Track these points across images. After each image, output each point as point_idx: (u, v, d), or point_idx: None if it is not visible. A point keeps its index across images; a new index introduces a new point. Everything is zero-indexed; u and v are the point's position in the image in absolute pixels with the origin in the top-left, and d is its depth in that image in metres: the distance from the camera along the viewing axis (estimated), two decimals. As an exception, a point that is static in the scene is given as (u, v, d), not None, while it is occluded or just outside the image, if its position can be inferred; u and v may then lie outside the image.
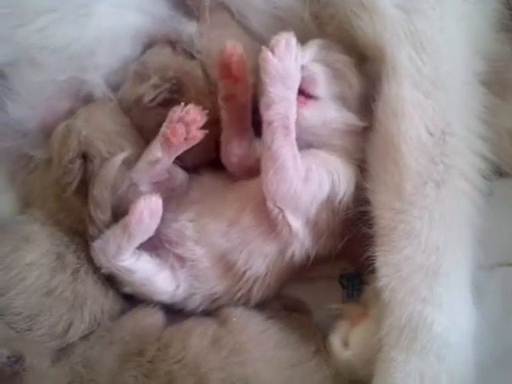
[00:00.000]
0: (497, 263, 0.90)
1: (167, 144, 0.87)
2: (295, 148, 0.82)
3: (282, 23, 0.97)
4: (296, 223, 0.85)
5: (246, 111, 0.90)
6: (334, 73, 0.87)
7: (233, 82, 0.87)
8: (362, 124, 0.87)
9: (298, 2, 0.95)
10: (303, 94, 0.86)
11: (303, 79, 0.84)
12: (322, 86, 0.86)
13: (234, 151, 0.92)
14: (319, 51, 0.89)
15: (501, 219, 0.90)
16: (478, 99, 0.84)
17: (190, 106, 0.86)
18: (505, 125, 0.93)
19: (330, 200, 0.85)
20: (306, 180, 0.83)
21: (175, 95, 0.94)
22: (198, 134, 0.86)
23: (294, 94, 0.81)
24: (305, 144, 0.84)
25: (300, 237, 0.87)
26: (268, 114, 0.80)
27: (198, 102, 0.89)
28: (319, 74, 0.86)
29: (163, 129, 0.87)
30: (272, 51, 0.80)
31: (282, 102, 0.80)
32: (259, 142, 0.91)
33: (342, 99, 0.87)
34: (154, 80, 0.94)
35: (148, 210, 0.86)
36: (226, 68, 0.86)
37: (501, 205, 0.91)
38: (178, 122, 0.86)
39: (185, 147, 0.88)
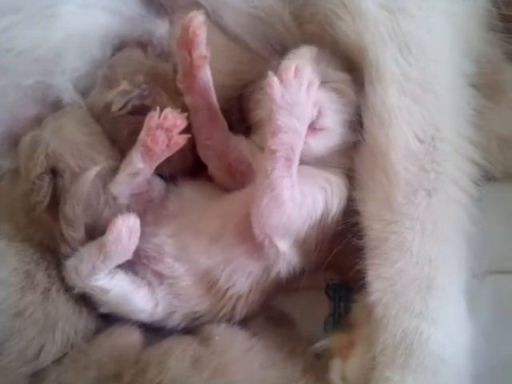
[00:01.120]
0: (487, 271, 0.88)
1: (148, 153, 0.83)
2: (295, 178, 0.78)
3: (260, 23, 0.94)
4: (284, 246, 0.82)
5: (208, 92, 0.86)
6: (338, 97, 0.83)
7: (188, 51, 0.83)
8: (356, 138, 0.84)
9: (277, 1, 0.92)
10: (310, 125, 0.81)
11: None
12: (330, 117, 0.83)
13: (206, 142, 0.88)
14: (317, 69, 0.84)
15: (490, 226, 0.87)
16: (467, 102, 0.82)
17: (168, 111, 0.82)
18: (494, 128, 0.91)
19: (322, 219, 0.82)
20: (300, 206, 0.80)
21: (146, 101, 0.90)
22: (179, 140, 0.82)
23: (303, 126, 0.77)
24: (300, 161, 0.80)
25: (287, 257, 0.84)
26: (273, 142, 0.76)
27: (170, 107, 0.85)
28: (326, 104, 0.82)
29: (142, 137, 0.83)
30: (279, 77, 0.75)
31: (288, 131, 0.75)
32: (243, 140, 0.90)
33: (345, 121, 0.84)
34: (123, 86, 0.89)
35: (127, 229, 0.82)
36: (184, 33, 0.82)
37: (490, 211, 0.88)
38: (157, 128, 0.81)
39: (167, 154, 0.84)
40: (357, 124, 0.85)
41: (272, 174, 0.76)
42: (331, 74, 0.86)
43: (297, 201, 0.79)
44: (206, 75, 0.85)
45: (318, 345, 0.87)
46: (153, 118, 0.82)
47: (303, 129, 0.77)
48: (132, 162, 0.84)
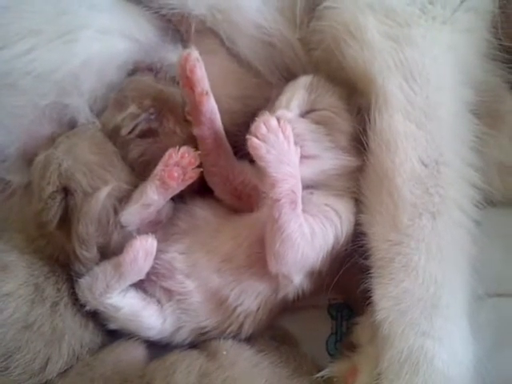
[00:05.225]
0: (485, 294, 0.88)
1: (164, 187, 0.86)
2: (301, 217, 0.81)
3: (271, 49, 0.97)
4: (298, 278, 0.85)
5: (215, 123, 0.89)
6: (322, 128, 0.87)
7: (190, 89, 0.86)
8: (357, 163, 0.87)
9: (288, 28, 0.96)
10: None
11: None
12: (312, 146, 0.86)
13: (212, 168, 0.91)
14: (307, 98, 0.89)
15: (489, 249, 0.87)
16: (468, 129, 0.85)
17: (185, 150, 0.86)
18: (493, 154, 0.94)
19: (333, 247, 0.85)
20: (312, 241, 0.82)
21: (154, 124, 0.93)
22: (193, 174, 0.87)
23: (295, 167, 0.80)
24: (304, 186, 0.83)
25: (299, 284, 0.86)
26: (274, 193, 0.79)
27: (177, 130, 0.91)
28: (305, 136, 0.86)
29: (158, 172, 0.86)
30: (256, 136, 0.79)
31: (285, 179, 0.79)
32: (247, 165, 0.91)
33: (336, 147, 0.87)
34: (131, 109, 0.92)
35: (143, 251, 0.84)
36: (182, 72, 0.86)
37: (489, 235, 0.88)
38: (174, 165, 0.85)
39: (181, 188, 0.87)
40: (356, 149, 0.87)
41: (279, 219, 0.79)
42: (320, 102, 0.89)
43: (307, 237, 0.81)
44: (211, 108, 0.88)
45: (321, 373, 0.87)
46: (171, 157, 0.86)
47: (296, 169, 0.80)
48: (146, 194, 0.87)
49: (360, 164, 0.87)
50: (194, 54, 0.85)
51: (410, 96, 0.83)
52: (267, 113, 0.83)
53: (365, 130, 0.86)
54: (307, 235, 0.81)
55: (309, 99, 0.89)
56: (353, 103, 0.90)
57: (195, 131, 0.89)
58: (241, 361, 0.85)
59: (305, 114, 0.88)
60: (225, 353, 0.86)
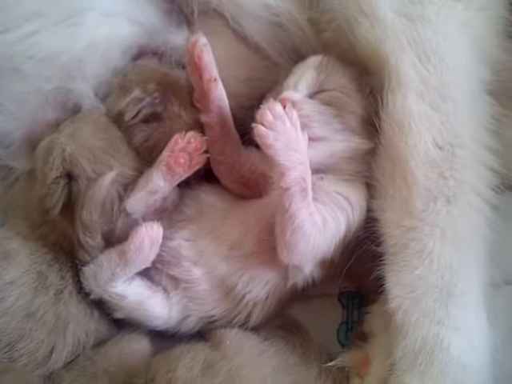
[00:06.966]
0: (503, 281, 0.86)
1: (170, 173, 0.85)
2: (312, 206, 0.79)
3: (280, 30, 0.95)
4: (309, 268, 0.84)
5: (223, 110, 0.88)
6: (331, 109, 0.84)
7: (198, 75, 0.85)
8: (369, 146, 0.85)
9: (296, 8, 0.93)
10: None
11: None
12: (320, 128, 0.84)
13: (218, 157, 0.90)
14: (316, 78, 0.86)
15: (507, 235, 0.84)
16: (485, 110, 0.82)
17: (191, 135, 0.85)
18: (510, 136, 0.90)
19: (345, 235, 0.83)
20: (323, 230, 0.80)
21: (158, 108, 0.92)
22: (200, 160, 0.86)
23: (304, 154, 0.78)
24: (313, 170, 0.81)
25: (309, 273, 0.85)
26: (284, 181, 0.77)
27: (182, 114, 0.90)
28: (313, 117, 0.83)
29: (164, 158, 0.85)
30: (262, 124, 0.77)
31: (294, 166, 0.77)
32: (254, 151, 0.89)
33: (346, 129, 0.85)
34: (135, 93, 0.91)
35: (149, 239, 0.83)
36: (190, 58, 0.85)
37: (506, 220, 0.85)
38: (180, 151, 0.84)
39: (188, 174, 0.86)
40: (367, 131, 0.85)
41: (290, 208, 0.77)
42: (330, 82, 0.87)
43: (319, 226, 0.80)
44: (220, 95, 0.87)
45: (332, 363, 0.85)
46: (177, 142, 0.84)
47: (305, 156, 0.78)
48: (152, 181, 0.85)
49: (371, 147, 0.84)
50: (202, 40, 0.84)
51: (424, 75, 0.80)
52: (272, 99, 0.80)
53: (377, 112, 0.83)
54: (319, 224, 0.79)
55: (318, 79, 0.86)
56: (364, 84, 0.88)
57: (203, 118, 0.88)
58: (246, 350, 0.84)
59: (313, 95, 0.86)
60: (228, 342, 0.84)
